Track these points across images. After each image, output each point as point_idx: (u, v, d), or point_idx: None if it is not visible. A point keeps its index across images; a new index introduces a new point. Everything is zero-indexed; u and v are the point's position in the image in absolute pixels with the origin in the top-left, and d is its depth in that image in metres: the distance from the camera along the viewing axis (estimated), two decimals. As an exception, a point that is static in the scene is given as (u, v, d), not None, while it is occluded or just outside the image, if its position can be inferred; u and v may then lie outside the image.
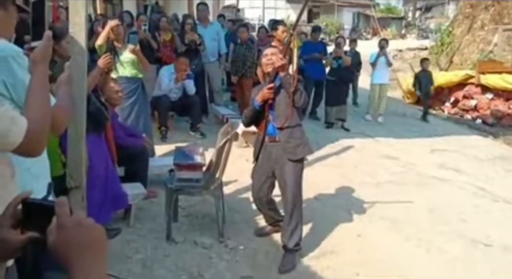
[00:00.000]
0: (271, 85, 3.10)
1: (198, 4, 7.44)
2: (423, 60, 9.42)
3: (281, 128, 3.15)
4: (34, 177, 1.45)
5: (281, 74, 3.07)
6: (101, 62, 3.62)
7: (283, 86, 3.09)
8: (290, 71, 3.21)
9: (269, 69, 3.18)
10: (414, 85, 9.37)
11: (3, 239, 0.82)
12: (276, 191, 3.39)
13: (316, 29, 8.39)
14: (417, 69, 14.57)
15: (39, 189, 1.44)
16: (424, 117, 8.81)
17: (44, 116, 1.29)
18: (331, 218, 4.01)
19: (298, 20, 3.24)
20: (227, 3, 22.86)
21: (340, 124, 7.57)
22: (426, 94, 8.97)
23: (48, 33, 1.42)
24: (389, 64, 8.39)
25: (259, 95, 3.14)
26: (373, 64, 8.23)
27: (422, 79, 8.93)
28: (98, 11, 10.38)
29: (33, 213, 0.81)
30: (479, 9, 13.60)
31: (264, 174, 3.32)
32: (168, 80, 6.00)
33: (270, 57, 3.18)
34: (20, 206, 0.83)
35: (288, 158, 3.16)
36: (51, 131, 1.63)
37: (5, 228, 0.82)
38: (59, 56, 3.14)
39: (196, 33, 6.60)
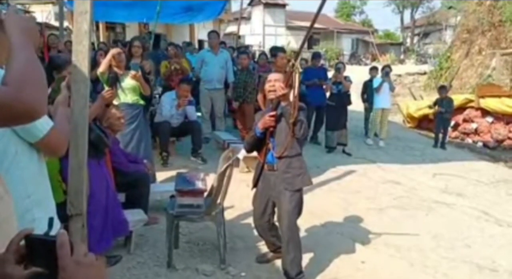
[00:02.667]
0: (273, 113, 3.05)
1: (209, 32, 7.65)
2: (441, 88, 9.02)
3: (279, 158, 3.12)
4: (35, 204, 1.44)
5: (283, 103, 2.99)
6: (105, 93, 3.66)
7: (284, 116, 3.04)
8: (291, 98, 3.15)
9: (271, 96, 3.12)
10: (431, 107, 8.99)
11: (7, 275, 0.82)
12: (278, 216, 3.36)
13: (317, 56, 8.50)
14: (417, 93, 14.77)
15: (40, 216, 1.42)
16: (442, 145, 8.49)
17: (26, 77, 1.10)
18: (334, 244, 3.96)
19: (299, 52, 3.16)
20: (228, 30, 23.30)
21: (341, 149, 7.58)
22: (446, 122, 8.62)
23: (11, 7, 1.29)
24: (392, 89, 8.45)
25: (261, 122, 3.10)
26: (377, 89, 8.29)
27: (443, 106, 8.49)
28: (101, 39, 10.55)
29: (36, 248, 0.82)
30: (476, 34, 13.82)
31: (264, 200, 3.30)
32: (170, 106, 6.05)
33: (273, 83, 3.09)
34: (23, 242, 0.84)
35: (286, 188, 3.12)
36: (51, 154, 1.60)
37: (9, 264, 0.83)
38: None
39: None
